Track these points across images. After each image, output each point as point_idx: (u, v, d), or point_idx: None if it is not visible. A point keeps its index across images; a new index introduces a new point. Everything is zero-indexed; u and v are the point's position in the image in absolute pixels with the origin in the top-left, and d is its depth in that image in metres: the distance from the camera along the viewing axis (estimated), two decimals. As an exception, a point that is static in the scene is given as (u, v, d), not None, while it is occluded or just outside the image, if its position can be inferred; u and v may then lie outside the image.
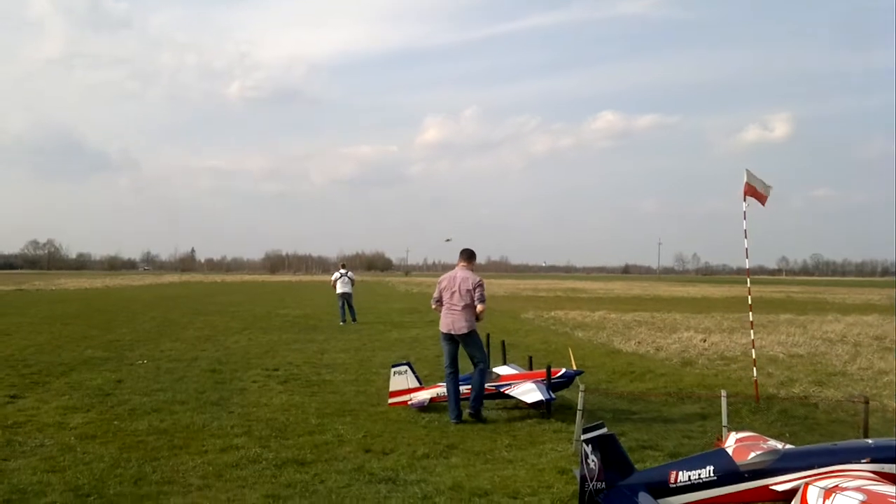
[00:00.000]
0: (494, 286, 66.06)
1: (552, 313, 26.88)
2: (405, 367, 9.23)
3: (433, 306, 9.09)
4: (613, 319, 24.54)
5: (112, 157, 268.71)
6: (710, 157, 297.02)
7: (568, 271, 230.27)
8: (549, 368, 8.87)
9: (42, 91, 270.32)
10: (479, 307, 8.69)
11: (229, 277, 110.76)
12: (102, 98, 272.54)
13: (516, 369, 9.80)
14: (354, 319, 22.42)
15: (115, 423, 8.27)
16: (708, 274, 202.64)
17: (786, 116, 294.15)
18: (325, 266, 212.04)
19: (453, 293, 8.73)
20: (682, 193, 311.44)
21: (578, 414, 7.16)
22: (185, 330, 20.05)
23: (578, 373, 9.57)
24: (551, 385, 8.73)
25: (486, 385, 9.06)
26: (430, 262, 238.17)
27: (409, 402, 9.06)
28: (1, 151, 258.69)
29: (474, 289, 8.68)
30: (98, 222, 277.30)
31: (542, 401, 8.40)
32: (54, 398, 9.69)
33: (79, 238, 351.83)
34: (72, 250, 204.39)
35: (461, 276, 8.80)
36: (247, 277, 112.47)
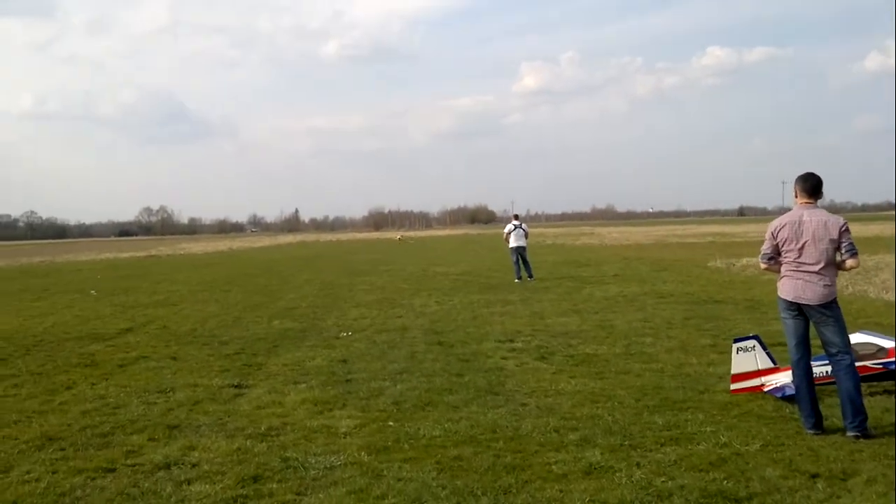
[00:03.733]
0: (625, 235, 62.58)
1: (743, 261, 23.72)
2: (753, 342, 6.84)
3: (763, 265, 6.15)
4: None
5: (214, 123, 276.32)
6: (826, 89, 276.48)
7: (678, 216, 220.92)
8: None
9: (148, 62, 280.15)
10: (849, 263, 5.77)
11: (343, 236, 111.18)
12: (203, 65, 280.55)
13: (882, 338, 7.20)
14: (531, 276, 20.14)
15: (391, 424, 6.30)
16: (834, 212, 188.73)
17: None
18: (427, 222, 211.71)
19: (804, 246, 5.76)
20: (797, 129, 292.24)
21: None
22: (354, 293, 18.39)
23: None
24: None
25: (869, 364, 6.63)
26: (532, 212, 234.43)
27: (765, 389, 6.69)
28: (112, 123, 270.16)
29: (840, 236, 5.72)
30: (204, 187, 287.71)
31: None
32: (287, 387, 7.86)
33: (187, 204, 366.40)
34: (183, 216, 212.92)
35: (814, 218, 5.76)
36: (359, 236, 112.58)
